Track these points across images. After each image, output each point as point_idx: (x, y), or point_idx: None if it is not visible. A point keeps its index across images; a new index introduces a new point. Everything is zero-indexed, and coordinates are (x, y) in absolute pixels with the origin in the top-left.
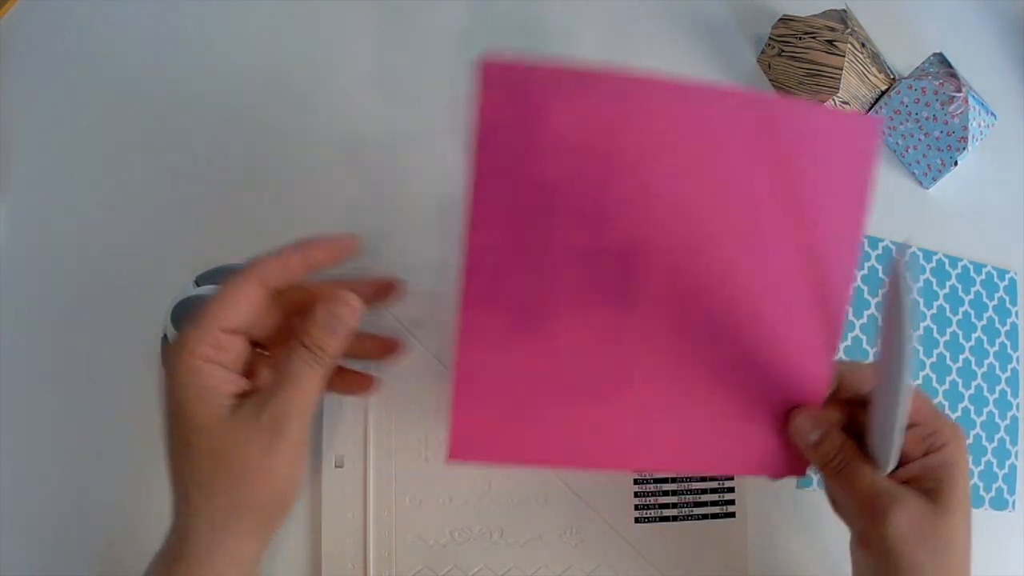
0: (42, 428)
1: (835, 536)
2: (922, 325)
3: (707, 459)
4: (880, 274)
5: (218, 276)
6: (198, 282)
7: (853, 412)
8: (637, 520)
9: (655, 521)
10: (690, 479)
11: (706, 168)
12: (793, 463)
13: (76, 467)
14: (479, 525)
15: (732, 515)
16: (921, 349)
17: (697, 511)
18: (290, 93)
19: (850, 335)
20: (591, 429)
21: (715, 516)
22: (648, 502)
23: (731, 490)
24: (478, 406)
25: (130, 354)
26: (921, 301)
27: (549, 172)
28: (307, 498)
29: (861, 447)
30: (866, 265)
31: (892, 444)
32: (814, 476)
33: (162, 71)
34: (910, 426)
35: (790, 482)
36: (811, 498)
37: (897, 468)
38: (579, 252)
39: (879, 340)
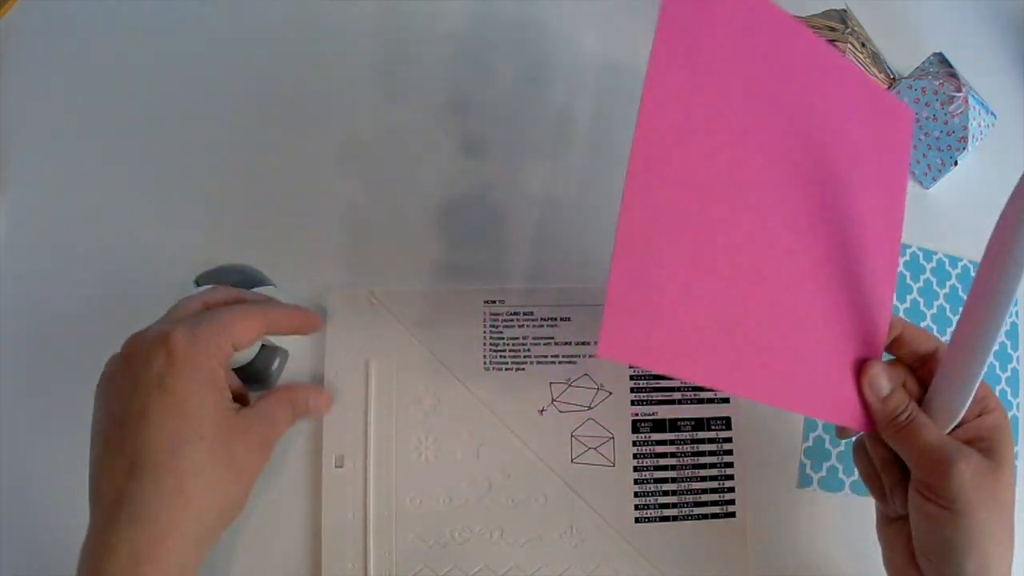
0: (42, 428)
1: (835, 536)
2: (922, 325)
3: (807, 400)
4: None
5: (218, 276)
6: (198, 282)
7: (907, 373)
8: (637, 520)
9: (655, 521)
10: (690, 479)
11: (809, 111)
12: (863, 416)
13: (75, 468)
14: (479, 525)
15: (733, 515)
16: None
17: (697, 511)
18: (290, 93)
19: None
20: (736, 351)
21: (715, 516)
22: (648, 502)
23: (731, 490)
24: (635, 299)
25: None
26: (921, 301)
27: (720, 71)
28: (307, 498)
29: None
30: None
31: (965, 402)
32: (814, 476)
33: (162, 71)
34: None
35: (790, 482)
36: (811, 498)
37: (954, 429)
38: (740, 162)
39: (968, 301)
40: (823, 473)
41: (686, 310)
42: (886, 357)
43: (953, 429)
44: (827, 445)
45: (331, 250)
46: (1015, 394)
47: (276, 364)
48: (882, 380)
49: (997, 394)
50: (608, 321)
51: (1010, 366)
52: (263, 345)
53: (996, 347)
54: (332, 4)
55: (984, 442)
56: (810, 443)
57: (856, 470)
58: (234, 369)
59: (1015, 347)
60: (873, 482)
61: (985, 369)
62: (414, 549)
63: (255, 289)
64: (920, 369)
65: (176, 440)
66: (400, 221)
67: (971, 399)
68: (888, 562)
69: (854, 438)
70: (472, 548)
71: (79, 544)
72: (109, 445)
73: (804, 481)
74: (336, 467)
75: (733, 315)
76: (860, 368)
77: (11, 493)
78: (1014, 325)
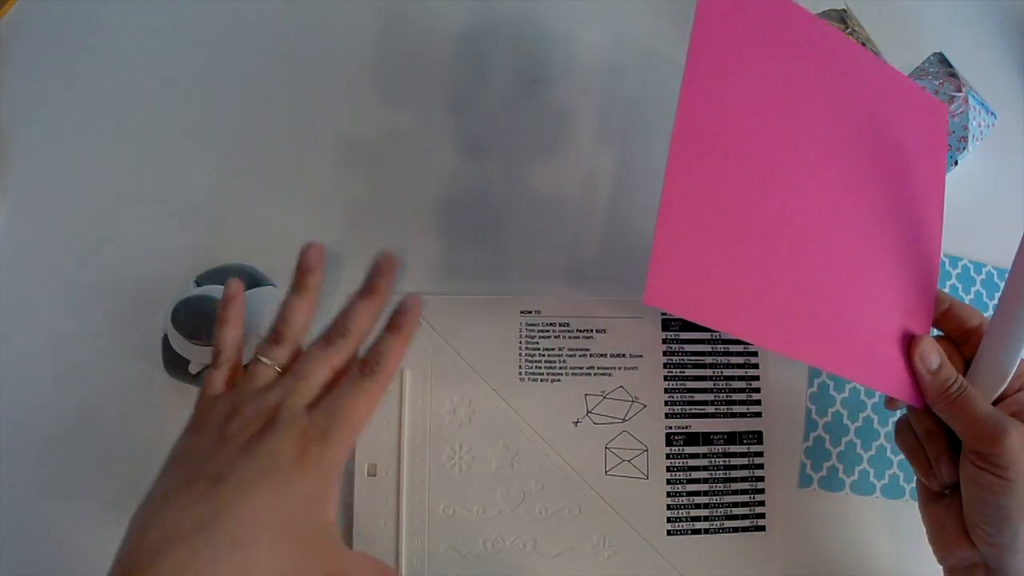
0: (42, 428)
1: (866, 551)
2: None
3: (856, 368)
4: None
5: (218, 276)
6: (198, 282)
7: (952, 349)
8: (670, 532)
9: (687, 534)
10: (721, 492)
11: (852, 98)
12: (912, 388)
13: (75, 468)
14: (512, 536)
15: (763, 528)
16: None
17: (728, 524)
18: (290, 93)
19: None
20: (775, 308)
21: (746, 530)
22: (680, 515)
23: (762, 503)
24: (681, 251)
25: (130, 354)
26: None
27: (757, 77)
28: (339, 507)
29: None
30: None
31: (1007, 375)
32: (814, 476)
33: (162, 71)
34: None
35: (816, 496)
36: (842, 510)
37: (997, 402)
38: (779, 147)
39: (1012, 272)
40: (823, 473)
41: (729, 268)
42: (933, 333)
43: (996, 403)
44: (827, 445)
45: (331, 250)
46: None
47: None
48: (932, 354)
49: None
50: (654, 271)
51: None
52: None
53: None
54: (332, 4)
55: None
56: (810, 443)
57: (891, 455)
58: None
59: None
60: (918, 456)
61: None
62: (447, 559)
63: (256, 289)
64: (966, 344)
65: (265, 530)
66: (401, 222)
67: (1013, 371)
68: (936, 540)
69: (898, 414)
70: (505, 559)
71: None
72: (195, 487)
73: (804, 481)
74: (369, 475)
75: (777, 278)
76: (910, 342)
77: (10, 492)
78: None
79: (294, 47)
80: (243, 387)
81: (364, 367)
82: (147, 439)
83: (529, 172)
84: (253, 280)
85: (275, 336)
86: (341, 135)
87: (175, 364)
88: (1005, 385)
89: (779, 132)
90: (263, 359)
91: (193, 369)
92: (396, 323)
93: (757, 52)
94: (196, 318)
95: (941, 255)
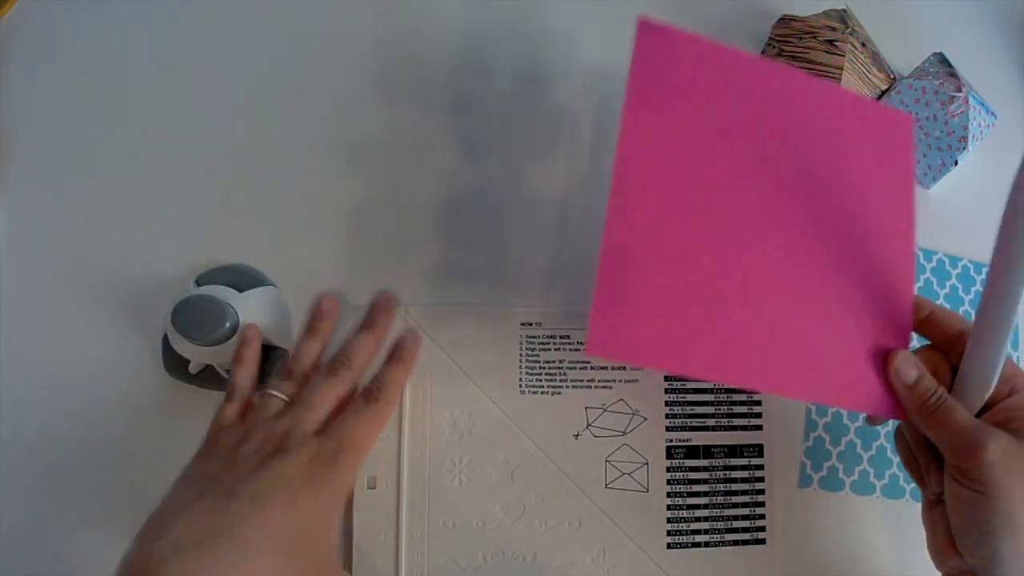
0: (42, 428)
1: (866, 552)
2: None
3: (823, 390)
4: None
5: (218, 276)
6: (198, 282)
7: (938, 358)
8: (669, 546)
9: (687, 547)
10: (722, 505)
11: (801, 132)
12: (892, 404)
13: (75, 468)
14: (512, 549)
15: (763, 542)
16: None
17: (728, 537)
18: (290, 93)
19: None
20: (724, 343)
21: (746, 543)
22: (681, 528)
23: (762, 516)
24: (621, 300)
25: (130, 354)
26: None
27: (692, 115)
28: (339, 519)
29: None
30: None
31: (991, 381)
32: (814, 476)
33: (162, 71)
34: None
35: (816, 495)
36: (842, 510)
37: (983, 411)
38: (721, 183)
39: (989, 279)
40: (823, 473)
41: (677, 310)
42: (922, 341)
43: (984, 411)
44: (827, 445)
45: (332, 250)
46: None
47: (278, 364)
48: (908, 367)
49: None
50: (595, 322)
51: None
52: (264, 345)
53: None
54: (332, 4)
55: (1015, 422)
56: (810, 443)
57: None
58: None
59: (1015, 347)
60: (911, 464)
61: (1007, 347)
62: (447, 571)
63: (256, 289)
64: (951, 352)
65: (273, 545)
66: (401, 221)
67: (996, 378)
68: (931, 546)
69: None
70: (505, 571)
71: None
72: (206, 500)
73: (804, 481)
74: (369, 488)
75: (730, 313)
76: (886, 357)
77: (10, 491)
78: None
79: (294, 47)
80: (254, 416)
81: (368, 394)
82: (147, 439)
83: (529, 172)
84: (253, 280)
85: (286, 372)
86: (341, 135)
87: (175, 364)
88: (990, 393)
89: (723, 169)
90: (273, 392)
91: (193, 369)
92: (397, 355)
93: (696, 92)
94: (196, 318)
95: (915, 265)
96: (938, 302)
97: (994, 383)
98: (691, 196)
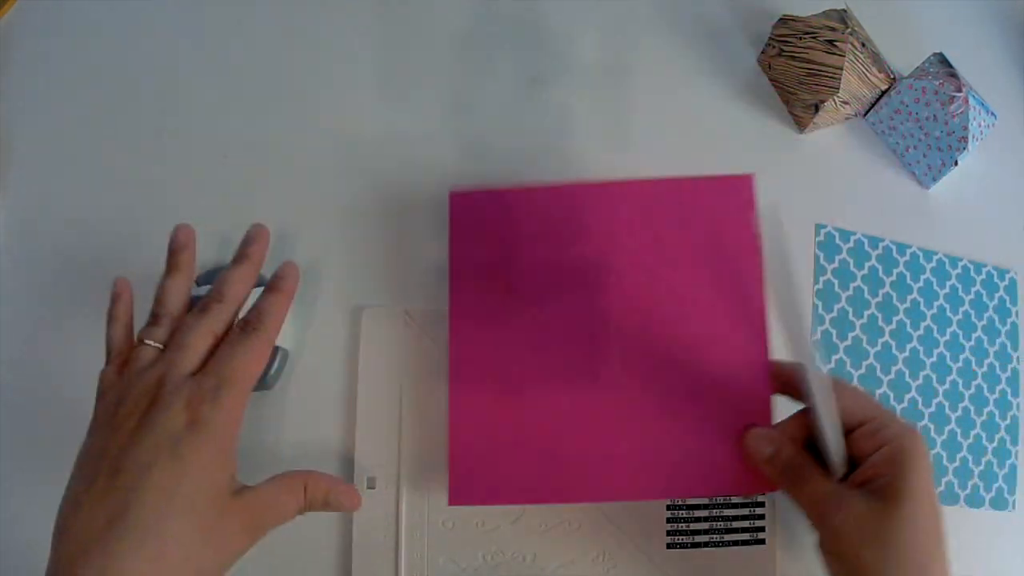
0: (42, 428)
1: None
2: (923, 325)
3: (687, 485)
4: (880, 274)
5: (218, 276)
6: (198, 282)
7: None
8: (669, 546)
9: (687, 547)
10: (722, 505)
11: (630, 239)
12: (762, 480)
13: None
14: (511, 549)
15: (762, 542)
16: (864, 337)
17: (728, 537)
18: (290, 93)
19: (850, 335)
20: (576, 470)
21: (745, 543)
22: (680, 528)
23: (761, 516)
24: (471, 458)
25: None
26: (921, 301)
27: (512, 263)
28: (338, 519)
29: (819, 457)
30: (866, 265)
31: (830, 443)
32: None
33: (162, 71)
34: (858, 425)
35: None
36: None
37: (853, 470)
38: (547, 323)
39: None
40: None
41: (521, 452)
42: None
43: (854, 467)
44: None
45: (332, 250)
46: (1015, 394)
47: (276, 365)
48: (760, 444)
49: (996, 395)
50: (452, 477)
51: (1010, 366)
52: None
53: (829, 373)
54: (332, 4)
55: (880, 479)
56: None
57: None
58: None
59: (1015, 347)
60: None
61: (829, 399)
62: (446, 572)
63: (255, 289)
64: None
65: (171, 507)
66: (401, 221)
67: (832, 439)
68: None
69: None
70: (504, 572)
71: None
72: (96, 485)
73: None
74: (368, 488)
75: (565, 452)
76: (742, 439)
77: (10, 491)
78: (1014, 326)
79: (295, 47)
80: (127, 372)
81: (246, 324)
82: None
83: (529, 172)
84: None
85: (153, 318)
86: (341, 135)
87: None
88: (835, 452)
89: (549, 306)
90: (145, 341)
91: None
92: (276, 284)
93: (512, 238)
94: None
95: (767, 334)
96: (937, 303)
97: (836, 443)
98: (520, 334)
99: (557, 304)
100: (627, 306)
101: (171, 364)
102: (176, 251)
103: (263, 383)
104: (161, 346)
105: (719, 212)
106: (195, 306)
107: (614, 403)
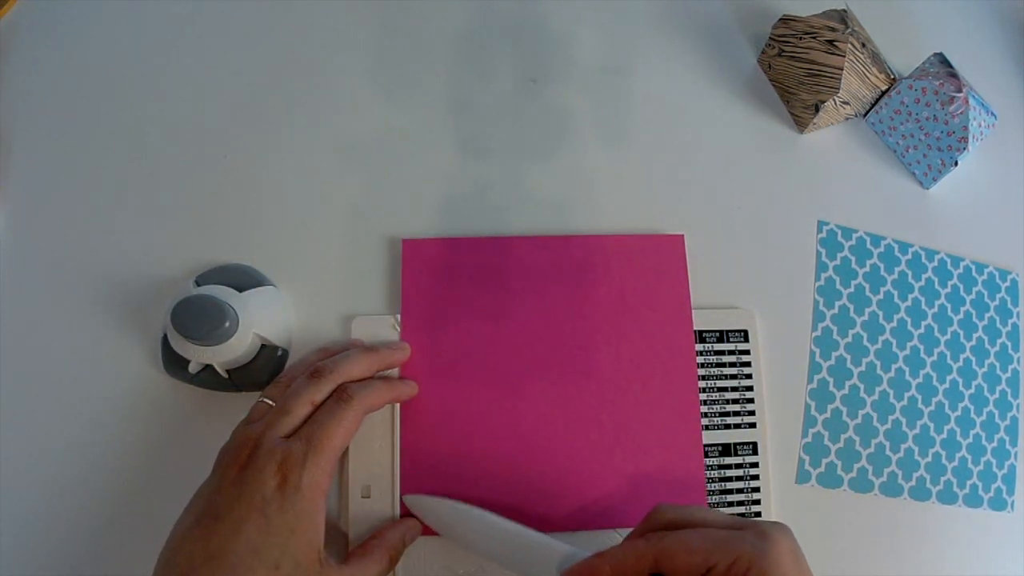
0: (42, 429)
1: (864, 549)
2: (923, 324)
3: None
4: (882, 272)
5: (218, 276)
6: (198, 282)
7: None
8: None
9: None
10: (716, 505)
11: (566, 288)
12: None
13: (75, 467)
14: None
15: None
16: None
17: None
18: (290, 93)
19: (851, 332)
20: (515, 501)
21: None
22: None
23: (758, 515)
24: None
25: (131, 354)
26: (923, 300)
27: (459, 305)
28: (334, 528)
29: None
30: (868, 263)
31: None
32: (812, 472)
33: (162, 72)
34: (708, 571)
35: (814, 491)
36: (840, 507)
37: None
38: (484, 362)
39: None
40: (821, 469)
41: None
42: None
43: None
44: (826, 441)
45: (332, 250)
46: (1015, 395)
47: (276, 365)
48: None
49: (997, 395)
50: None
51: (1010, 367)
52: (263, 345)
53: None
54: (332, 4)
55: None
56: (809, 439)
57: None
58: (232, 369)
59: (1016, 348)
60: None
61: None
62: None
63: (255, 289)
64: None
65: (257, 561)
66: (401, 222)
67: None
68: None
69: None
70: None
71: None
72: (201, 524)
73: (802, 477)
74: (363, 497)
75: (504, 485)
76: None
77: (9, 491)
78: (1015, 327)
79: (294, 46)
80: (241, 423)
81: (340, 394)
82: (147, 439)
83: (529, 172)
84: (253, 280)
85: (278, 379)
86: (341, 135)
87: (175, 364)
88: None
89: (489, 348)
90: (261, 399)
91: (193, 369)
92: (390, 379)
93: (455, 280)
94: (196, 318)
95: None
96: (939, 302)
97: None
98: (476, 411)
99: (495, 345)
100: (562, 355)
101: (270, 425)
102: (356, 347)
103: (265, 383)
104: (272, 403)
105: (655, 267)
106: (308, 371)
107: (535, 436)
